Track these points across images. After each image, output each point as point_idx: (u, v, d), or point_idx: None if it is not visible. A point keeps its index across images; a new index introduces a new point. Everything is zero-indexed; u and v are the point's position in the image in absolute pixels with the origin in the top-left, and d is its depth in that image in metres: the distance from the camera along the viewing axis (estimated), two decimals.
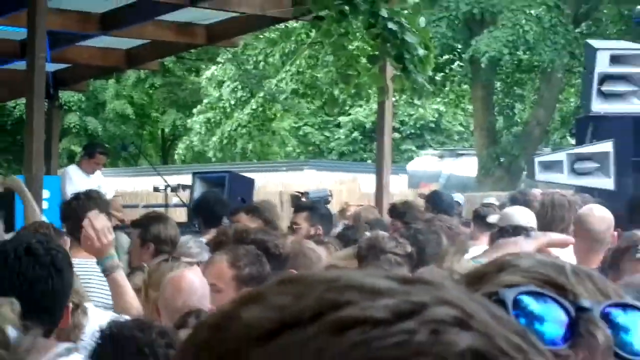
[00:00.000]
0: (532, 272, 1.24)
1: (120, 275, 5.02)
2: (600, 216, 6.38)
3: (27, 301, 3.53)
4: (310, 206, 9.56)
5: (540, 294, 1.19)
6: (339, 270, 0.82)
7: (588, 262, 5.43)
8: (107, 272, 5.04)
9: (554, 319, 1.17)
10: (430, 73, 27.34)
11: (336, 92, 31.14)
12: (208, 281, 4.68)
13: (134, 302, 4.93)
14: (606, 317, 1.19)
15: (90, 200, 7.00)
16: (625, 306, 1.22)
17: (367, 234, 6.95)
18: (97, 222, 5.07)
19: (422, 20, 9.55)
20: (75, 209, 6.73)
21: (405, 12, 9.45)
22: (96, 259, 5.18)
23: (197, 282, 4.70)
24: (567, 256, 5.71)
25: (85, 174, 12.56)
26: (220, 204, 9.58)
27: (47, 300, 3.83)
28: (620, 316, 1.21)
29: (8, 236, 7.60)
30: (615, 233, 6.53)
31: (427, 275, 0.89)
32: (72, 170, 12.95)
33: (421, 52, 9.35)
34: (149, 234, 6.45)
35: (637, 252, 4.80)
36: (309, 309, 0.74)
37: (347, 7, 9.20)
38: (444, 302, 0.75)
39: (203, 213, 9.31)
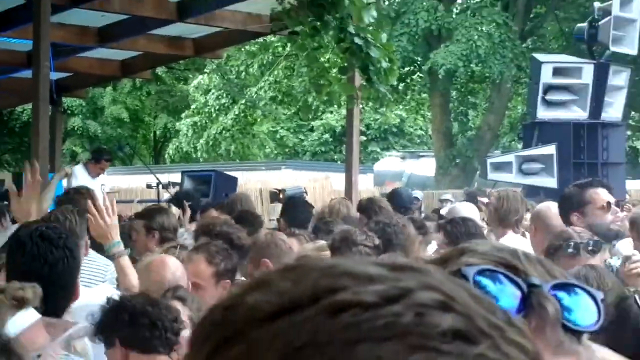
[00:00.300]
0: (489, 255, 1.27)
1: (125, 260, 5.04)
2: (557, 212, 6.40)
3: (48, 282, 3.60)
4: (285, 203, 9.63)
5: (496, 271, 1.22)
6: (334, 258, 0.82)
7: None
8: (113, 256, 5.08)
9: (508, 294, 1.20)
10: (394, 83, 27.44)
11: (310, 99, 31.11)
12: (189, 280, 4.68)
13: (136, 282, 4.94)
14: (554, 294, 1.23)
15: (79, 194, 6.99)
16: (569, 285, 1.26)
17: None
18: (102, 212, 5.09)
19: (383, 36, 9.52)
20: (66, 203, 6.72)
21: (371, 28, 9.42)
22: (104, 245, 5.20)
23: (178, 262, 4.75)
24: (527, 248, 5.75)
25: (90, 175, 12.57)
26: (191, 200, 9.67)
27: (65, 279, 3.88)
28: (565, 294, 1.24)
29: (15, 227, 7.52)
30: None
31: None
32: (78, 169, 12.94)
33: (385, 64, 9.35)
34: (155, 224, 6.47)
35: (569, 248, 4.79)
36: (306, 294, 0.75)
37: (319, 24, 9.19)
38: (429, 287, 0.76)
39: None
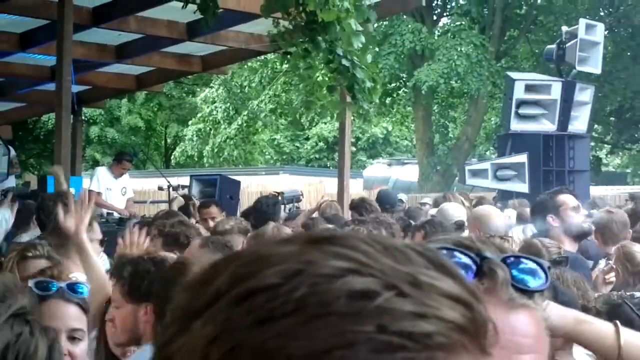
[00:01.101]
0: (448, 239, 1.31)
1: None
2: (498, 214, 6.41)
3: None
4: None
5: (452, 249, 1.25)
6: (258, 245, 0.79)
7: None
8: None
9: (463, 266, 1.22)
10: (381, 99, 27.38)
11: (302, 111, 31.15)
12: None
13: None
14: (506, 264, 1.29)
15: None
16: (519, 257, 1.31)
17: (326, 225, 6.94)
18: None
19: (369, 57, 9.49)
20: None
21: (357, 50, 9.40)
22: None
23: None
24: None
25: (113, 176, 12.45)
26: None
27: None
28: (515, 264, 1.30)
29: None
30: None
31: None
32: (101, 170, 12.85)
33: (369, 84, 9.34)
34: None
35: None
36: (224, 285, 0.73)
37: (310, 46, 9.19)
38: (334, 256, 0.72)
39: None
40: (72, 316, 3.04)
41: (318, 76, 10.20)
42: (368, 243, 0.75)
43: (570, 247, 5.54)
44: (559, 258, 4.80)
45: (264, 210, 8.60)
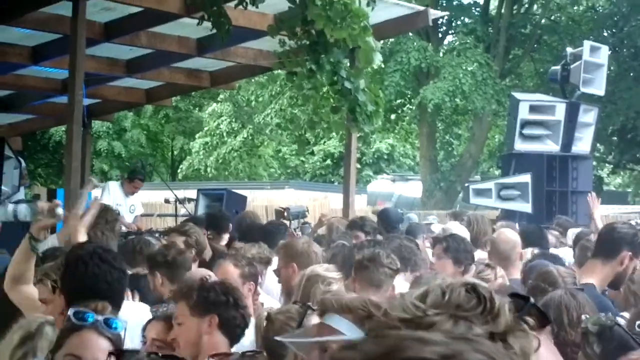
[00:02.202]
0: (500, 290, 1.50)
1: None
2: (506, 238, 6.41)
3: (103, 299, 3.71)
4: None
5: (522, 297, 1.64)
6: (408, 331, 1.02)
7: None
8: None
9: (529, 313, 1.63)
10: (386, 115, 27.38)
11: (306, 130, 31.22)
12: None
13: None
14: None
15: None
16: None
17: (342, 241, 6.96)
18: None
19: (361, 82, 9.49)
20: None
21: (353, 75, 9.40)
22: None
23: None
24: None
25: (123, 193, 12.50)
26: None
27: (118, 296, 3.98)
28: None
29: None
30: (522, 250, 6.55)
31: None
32: (113, 185, 12.86)
33: (371, 108, 9.36)
34: (192, 241, 6.57)
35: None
36: (379, 352, 0.89)
37: (314, 66, 9.22)
38: (476, 351, 0.91)
39: None
40: (101, 348, 3.16)
41: (323, 95, 10.21)
42: (494, 346, 0.98)
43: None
44: (576, 289, 4.61)
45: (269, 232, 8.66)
